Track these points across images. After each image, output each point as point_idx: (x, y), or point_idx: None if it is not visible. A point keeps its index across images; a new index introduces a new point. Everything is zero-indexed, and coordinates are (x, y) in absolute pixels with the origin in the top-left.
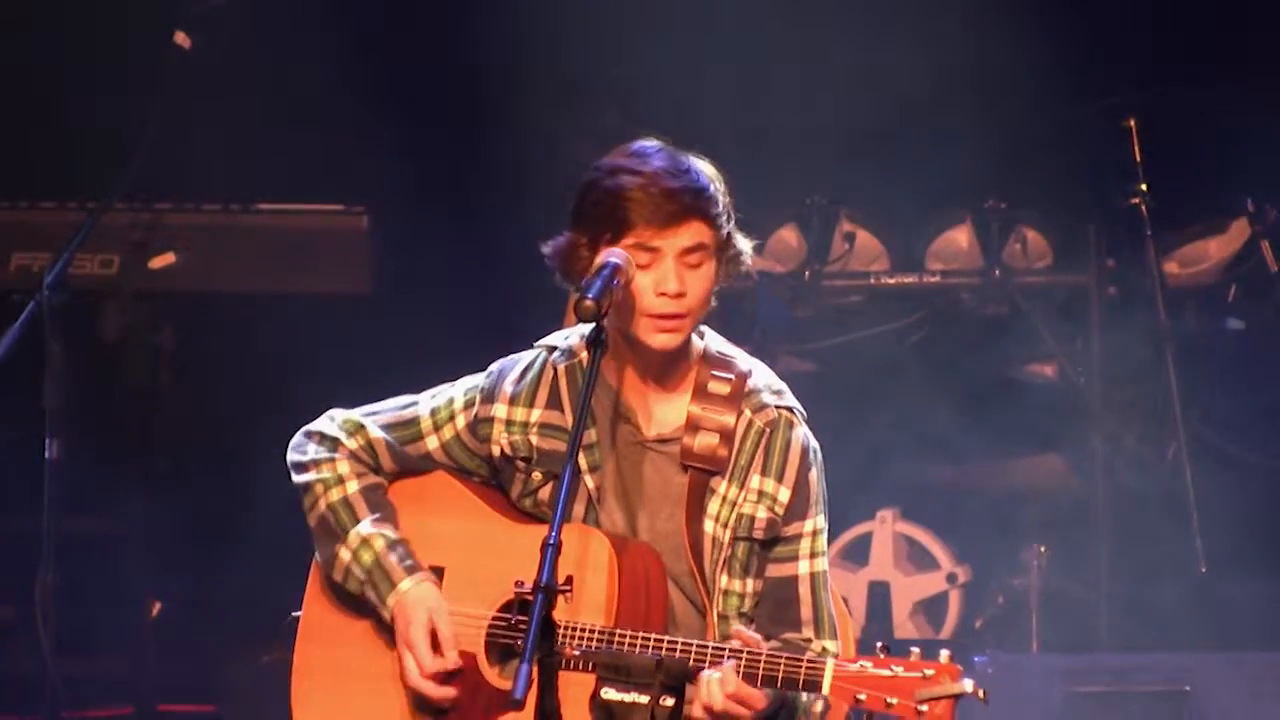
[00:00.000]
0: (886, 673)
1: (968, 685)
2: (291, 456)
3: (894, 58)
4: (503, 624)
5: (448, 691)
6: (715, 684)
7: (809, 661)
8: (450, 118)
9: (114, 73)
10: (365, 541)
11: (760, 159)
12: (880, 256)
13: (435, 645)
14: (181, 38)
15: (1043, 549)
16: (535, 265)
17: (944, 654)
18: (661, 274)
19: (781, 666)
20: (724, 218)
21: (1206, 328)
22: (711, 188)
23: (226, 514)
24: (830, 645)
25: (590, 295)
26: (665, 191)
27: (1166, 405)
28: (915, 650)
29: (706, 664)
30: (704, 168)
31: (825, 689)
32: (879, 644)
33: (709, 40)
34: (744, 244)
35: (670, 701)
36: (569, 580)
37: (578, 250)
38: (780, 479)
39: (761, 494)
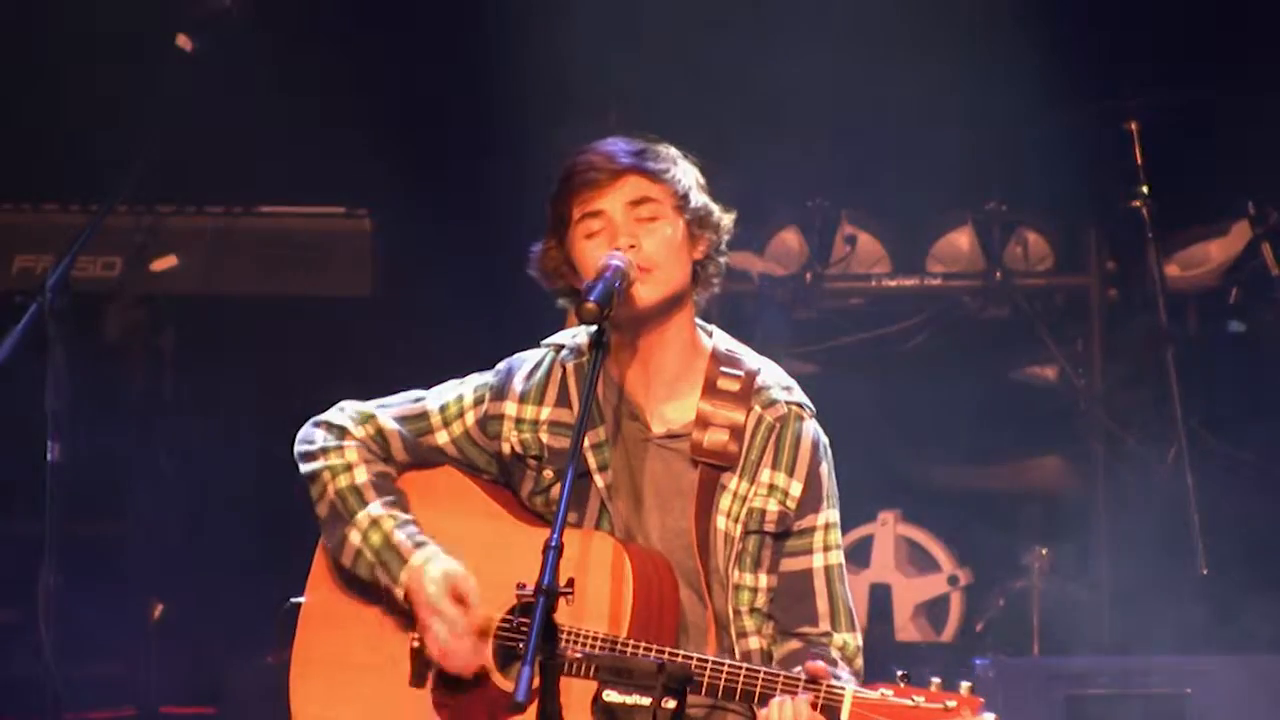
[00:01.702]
0: (908, 702)
1: (989, 719)
2: (299, 447)
3: (896, 60)
4: (509, 626)
5: (480, 658)
6: (789, 710)
7: (828, 687)
8: (452, 120)
9: (116, 75)
10: (375, 522)
11: (761, 161)
12: (881, 259)
13: (460, 602)
14: (184, 40)
15: (1044, 551)
16: None
17: (965, 686)
18: (611, 233)
19: (799, 690)
20: (670, 174)
21: (1208, 330)
22: (656, 149)
23: (228, 516)
24: (850, 638)
25: (591, 298)
26: (601, 155)
27: (1167, 408)
28: (936, 680)
29: (723, 680)
30: (658, 145)
31: (844, 716)
32: (900, 672)
33: (709, 42)
34: (716, 208)
35: (672, 704)
36: (571, 583)
37: (549, 252)
38: (791, 473)
39: (772, 487)
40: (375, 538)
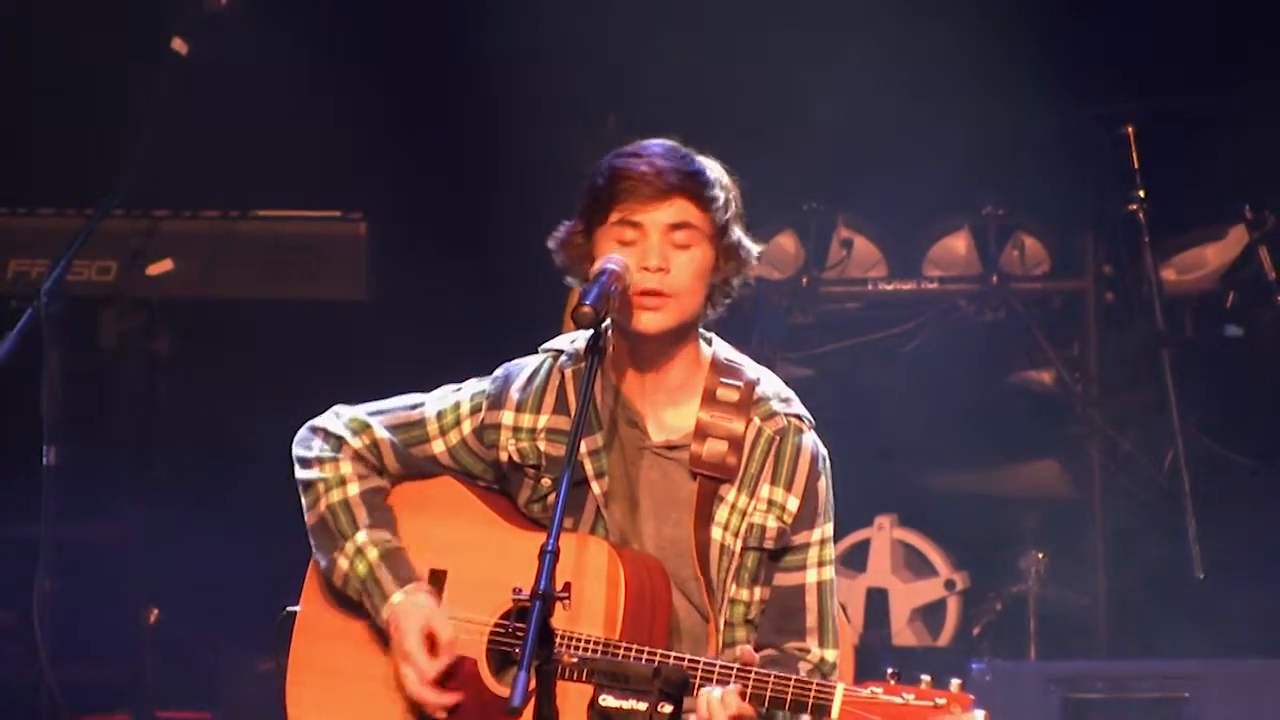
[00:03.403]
0: (898, 700)
1: (979, 716)
2: (296, 451)
3: (893, 63)
4: (503, 631)
5: (449, 699)
6: (716, 702)
7: (819, 686)
8: (447, 124)
9: (113, 79)
10: (360, 551)
11: (758, 164)
12: (878, 263)
13: (432, 650)
14: (179, 44)
15: (1041, 555)
16: (532, 271)
17: (955, 683)
18: (644, 249)
19: (790, 689)
20: (717, 204)
21: (1204, 334)
22: (707, 174)
23: (224, 520)
24: (829, 655)
25: (587, 301)
26: (653, 168)
27: (1164, 412)
28: (926, 678)
29: (714, 680)
30: (708, 161)
31: (834, 714)
32: (889, 670)
33: (708, 44)
34: (747, 240)
35: (668, 709)
36: (567, 587)
37: (574, 237)
38: (789, 488)
39: (771, 503)
40: (360, 567)
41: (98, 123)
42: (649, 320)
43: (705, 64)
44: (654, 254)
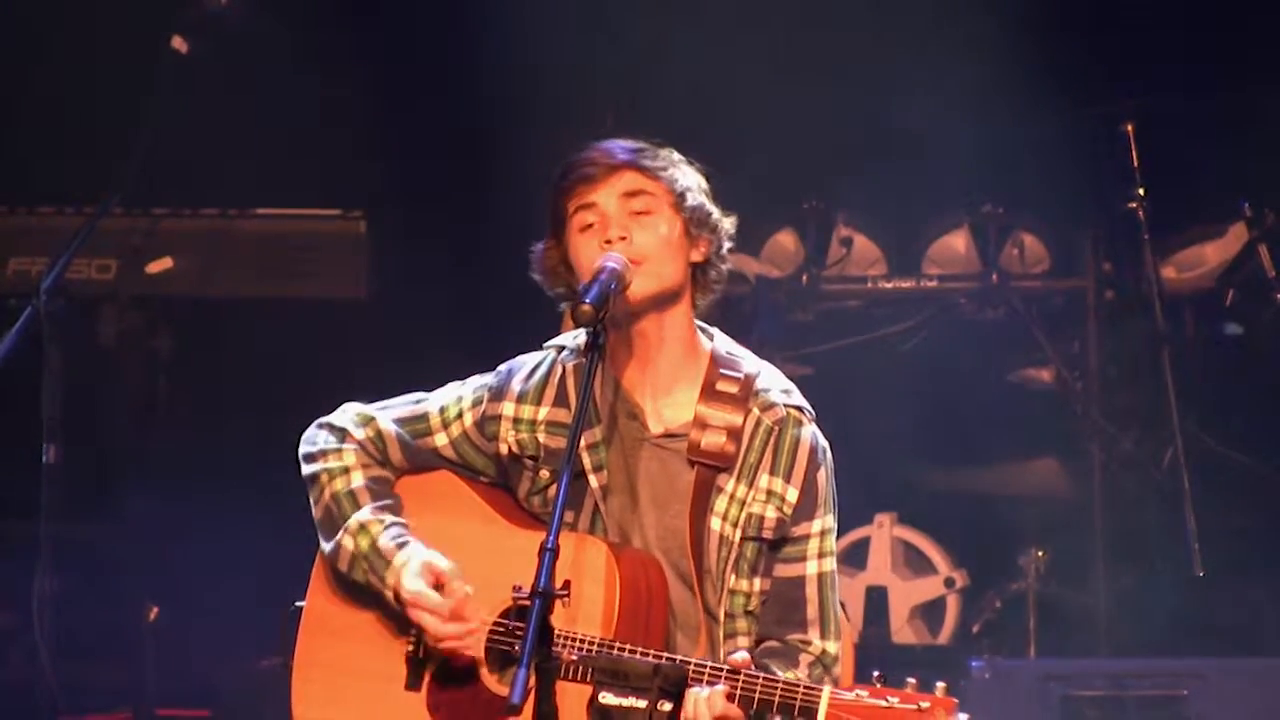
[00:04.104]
0: (882, 703)
1: None
2: (302, 448)
3: (893, 62)
4: (502, 629)
5: (470, 627)
6: (703, 702)
7: (805, 689)
8: (446, 122)
9: (112, 78)
10: (363, 527)
11: (758, 162)
12: (878, 261)
13: (439, 589)
14: (179, 43)
15: (1040, 553)
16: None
17: (940, 686)
18: (603, 226)
19: (778, 692)
20: (668, 171)
21: (1204, 332)
22: (653, 150)
23: (224, 518)
24: (830, 647)
25: (587, 299)
26: (599, 152)
27: (1163, 410)
28: (911, 681)
29: (704, 681)
30: (660, 148)
31: (820, 717)
32: (875, 673)
33: (708, 44)
34: (718, 212)
35: (668, 707)
36: (566, 585)
37: (548, 251)
38: (788, 479)
39: (770, 493)
40: (364, 542)
41: (98, 122)
42: (631, 285)
43: (705, 64)
44: (613, 225)
